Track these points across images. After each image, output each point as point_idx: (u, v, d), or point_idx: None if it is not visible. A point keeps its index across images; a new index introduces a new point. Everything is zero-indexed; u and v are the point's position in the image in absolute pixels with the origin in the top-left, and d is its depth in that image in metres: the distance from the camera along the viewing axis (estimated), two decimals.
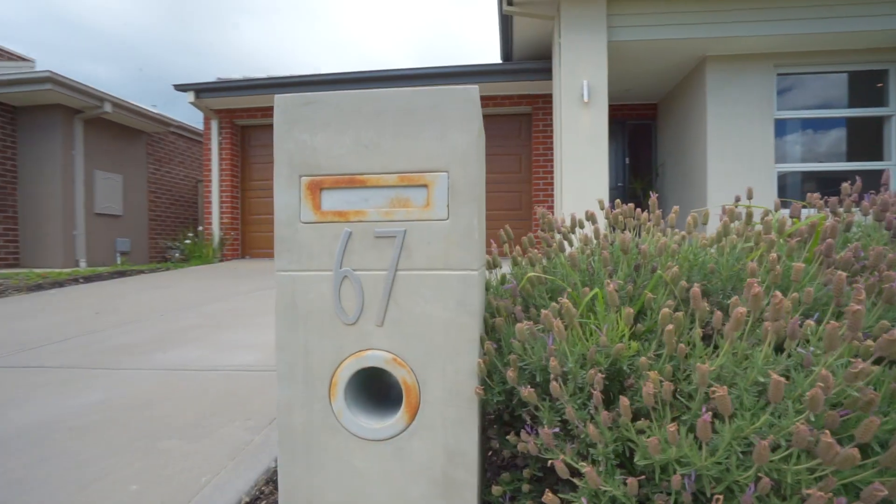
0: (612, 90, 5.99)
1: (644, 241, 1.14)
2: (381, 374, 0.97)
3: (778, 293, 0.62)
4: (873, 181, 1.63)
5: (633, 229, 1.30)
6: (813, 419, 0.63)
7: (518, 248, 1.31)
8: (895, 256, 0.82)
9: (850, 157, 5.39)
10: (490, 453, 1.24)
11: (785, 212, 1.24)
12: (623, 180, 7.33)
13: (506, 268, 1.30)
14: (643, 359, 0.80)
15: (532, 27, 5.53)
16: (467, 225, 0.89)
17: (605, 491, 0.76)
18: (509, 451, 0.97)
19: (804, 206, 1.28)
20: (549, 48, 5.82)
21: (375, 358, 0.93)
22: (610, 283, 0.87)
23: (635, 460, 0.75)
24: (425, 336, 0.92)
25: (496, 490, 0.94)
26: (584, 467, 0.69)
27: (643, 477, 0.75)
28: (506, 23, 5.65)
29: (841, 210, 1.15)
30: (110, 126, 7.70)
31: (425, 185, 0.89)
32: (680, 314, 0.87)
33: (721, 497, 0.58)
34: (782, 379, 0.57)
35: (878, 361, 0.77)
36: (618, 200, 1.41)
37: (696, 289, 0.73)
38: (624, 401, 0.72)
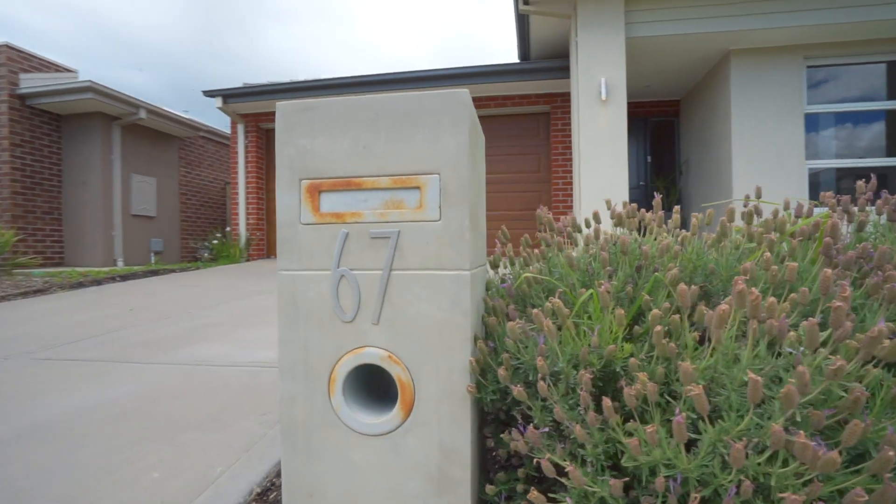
0: (632, 87, 5.87)
1: (646, 241, 1.13)
2: (381, 371, 1.00)
3: (754, 290, 0.61)
4: None
5: (646, 229, 1.28)
6: (799, 420, 0.62)
7: (521, 248, 1.32)
8: None
9: (891, 151, 5.10)
10: (493, 453, 1.25)
11: (818, 209, 1.17)
12: (645, 179, 7.16)
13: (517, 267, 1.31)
14: (633, 360, 0.80)
15: (549, 26, 5.48)
16: (459, 226, 0.91)
17: (594, 492, 0.76)
18: (505, 450, 0.98)
19: (817, 205, 1.23)
20: (567, 46, 5.75)
21: (372, 355, 0.96)
22: (603, 283, 0.87)
23: (622, 462, 0.75)
24: (419, 334, 0.94)
25: (490, 489, 0.96)
26: (568, 466, 0.70)
27: (630, 479, 0.75)
28: (522, 22, 5.62)
29: (855, 209, 1.11)
30: (145, 131, 8.09)
31: (418, 187, 0.92)
32: (676, 316, 0.86)
33: (698, 497, 0.57)
34: (759, 378, 0.56)
35: (888, 366, 0.75)
36: (624, 200, 1.40)
37: (682, 287, 0.73)
38: (607, 401, 0.72)
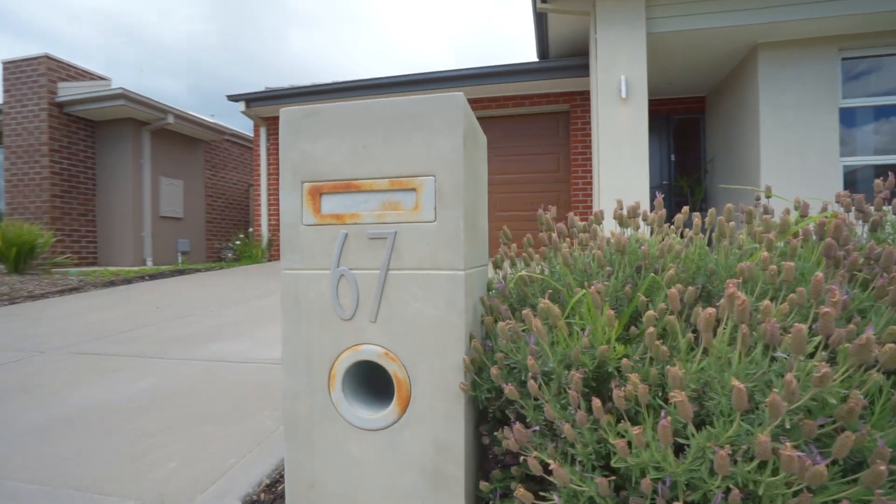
0: (654, 84, 5.74)
1: (646, 241, 1.11)
2: (380, 368, 1.02)
3: (741, 294, 0.60)
4: None
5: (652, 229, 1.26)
6: (789, 428, 0.60)
7: (519, 248, 1.32)
8: None
9: None
10: (491, 451, 1.26)
11: (857, 211, 1.12)
12: (669, 178, 6.98)
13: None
14: (625, 360, 0.79)
15: (567, 24, 5.42)
16: (454, 226, 0.93)
17: (583, 491, 0.76)
18: (499, 447, 0.99)
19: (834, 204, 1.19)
20: (586, 44, 5.67)
21: (369, 352, 0.99)
22: (595, 283, 0.87)
23: (612, 463, 0.75)
24: (415, 332, 0.96)
25: (484, 486, 0.96)
26: (553, 465, 0.70)
27: (617, 479, 0.75)
28: (540, 21, 5.57)
29: (871, 208, 1.06)
30: (173, 136, 8.41)
31: (414, 189, 0.94)
32: (672, 317, 0.85)
33: (685, 502, 0.57)
34: (743, 387, 0.55)
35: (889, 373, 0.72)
36: (622, 200, 1.37)
37: (672, 290, 0.72)
38: (596, 402, 0.72)
